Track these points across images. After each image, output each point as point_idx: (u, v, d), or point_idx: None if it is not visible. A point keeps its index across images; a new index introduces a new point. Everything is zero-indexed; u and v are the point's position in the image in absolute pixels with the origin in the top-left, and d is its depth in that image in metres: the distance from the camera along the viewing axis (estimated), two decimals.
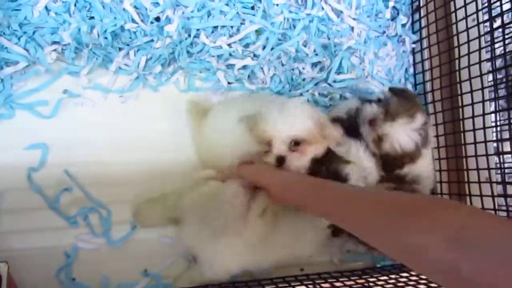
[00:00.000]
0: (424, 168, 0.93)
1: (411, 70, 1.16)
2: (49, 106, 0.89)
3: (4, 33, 0.85)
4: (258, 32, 1.00)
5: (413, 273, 1.01)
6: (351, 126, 0.90)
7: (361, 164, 0.86)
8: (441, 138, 1.08)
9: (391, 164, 0.88)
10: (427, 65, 1.11)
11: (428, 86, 1.11)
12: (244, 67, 1.00)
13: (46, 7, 0.87)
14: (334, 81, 1.05)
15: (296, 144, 0.78)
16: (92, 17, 0.90)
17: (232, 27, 0.98)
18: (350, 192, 0.62)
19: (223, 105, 0.96)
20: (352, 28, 1.10)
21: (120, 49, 0.92)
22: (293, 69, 1.04)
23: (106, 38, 0.89)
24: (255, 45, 0.99)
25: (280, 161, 0.78)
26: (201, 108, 0.95)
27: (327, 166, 0.83)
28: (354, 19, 1.09)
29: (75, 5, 0.89)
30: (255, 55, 1.01)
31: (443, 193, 1.07)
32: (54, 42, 0.87)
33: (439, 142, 1.08)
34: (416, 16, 1.14)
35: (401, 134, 0.85)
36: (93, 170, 0.90)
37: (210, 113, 0.92)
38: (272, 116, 0.76)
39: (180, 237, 0.84)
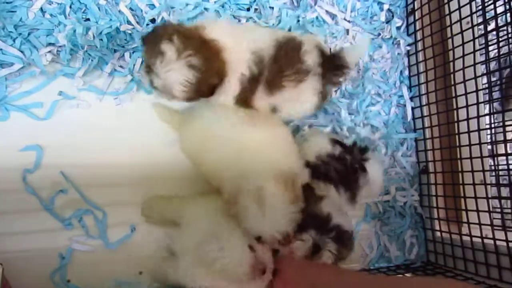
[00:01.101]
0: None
1: (406, 72, 1.16)
2: (44, 108, 0.89)
3: None
4: None
5: (407, 275, 1.02)
6: (324, 172, 0.87)
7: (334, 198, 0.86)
8: (436, 140, 1.08)
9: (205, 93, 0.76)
10: (422, 67, 1.12)
11: (423, 89, 1.11)
12: None
13: (41, 9, 0.87)
14: None
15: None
16: (88, 19, 0.90)
17: None
18: None
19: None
20: (347, 31, 1.10)
21: (115, 51, 0.92)
22: None
23: (101, 40, 0.89)
24: None
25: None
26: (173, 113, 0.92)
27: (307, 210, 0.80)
28: (349, 21, 1.10)
29: (70, 7, 0.89)
30: None
31: (438, 195, 1.07)
32: (49, 44, 0.87)
33: (434, 144, 1.09)
34: (411, 19, 1.15)
35: (172, 77, 0.71)
36: (89, 172, 0.90)
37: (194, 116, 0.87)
38: (254, 218, 0.71)
39: (174, 241, 0.83)
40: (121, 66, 0.93)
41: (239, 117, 0.82)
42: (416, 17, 1.13)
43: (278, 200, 0.71)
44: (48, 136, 0.88)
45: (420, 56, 1.12)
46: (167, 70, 0.70)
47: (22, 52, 0.85)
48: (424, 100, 1.11)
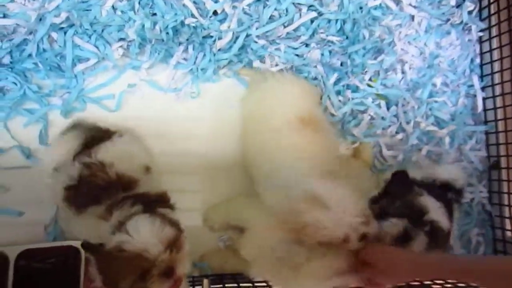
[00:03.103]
0: None
1: (477, 60, 1.08)
2: (115, 100, 0.94)
3: (77, 32, 0.91)
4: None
5: None
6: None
7: None
8: (510, 134, 1.01)
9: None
10: (496, 55, 1.03)
11: (496, 78, 1.03)
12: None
13: (113, 6, 0.92)
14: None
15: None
16: (155, 14, 0.94)
17: (286, 15, 0.97)
18: None
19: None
20: (413, 17, 1.05)
21: (180, 43, 0.95)
22: (341, 64, 1.01)
23: (167, 33, 0.93)
24: (306, 36, 0.98)
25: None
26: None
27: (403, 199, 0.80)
28: (414, 7, 1.04)
29: (139, 3, 0.93)
30: (306, 45, 1.00)
31: (510, 192, 1.00)
32: (121, 39, 0.93)
33: (507, 138, 1.01)
34: (485, 2, 1.06)
35: None
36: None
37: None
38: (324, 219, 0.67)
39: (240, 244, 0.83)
40: (184, 59, 0.96)
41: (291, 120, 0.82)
42: (491, 0, 1.04)
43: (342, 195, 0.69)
44: (121, 125, 0.92)
45: (495, 43, 1.04)
46: None
47: (97, 47, 0.91)
48: (497, 90, 1.03)
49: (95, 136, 0.80)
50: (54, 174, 0.78)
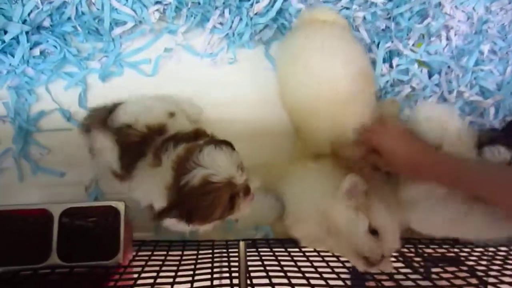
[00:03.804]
0: None
1: None
2: (151, 65, 0.94)
3: None
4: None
5: None
6: None
7: None
8: None
9: None
10: None
11: None
12: None
13: None
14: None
15: None
16: None
17: None
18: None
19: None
20: None
21: (216, 7, 0.93)
22: (384, 29, 0.96)
23: None
24: None
25: None
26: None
27: None
28: None
29: None
30: (347, 8, 0.95)
31: None
32: (157, 2, 0.91)
33: None
34: None
35: None
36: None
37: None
38: None
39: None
40: (220, 23, 0.95)
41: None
42: None
43: None
44: (155, 90, 0.91)
45: None
46: None
47: (134, 11, 0.91)
48: None
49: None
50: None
